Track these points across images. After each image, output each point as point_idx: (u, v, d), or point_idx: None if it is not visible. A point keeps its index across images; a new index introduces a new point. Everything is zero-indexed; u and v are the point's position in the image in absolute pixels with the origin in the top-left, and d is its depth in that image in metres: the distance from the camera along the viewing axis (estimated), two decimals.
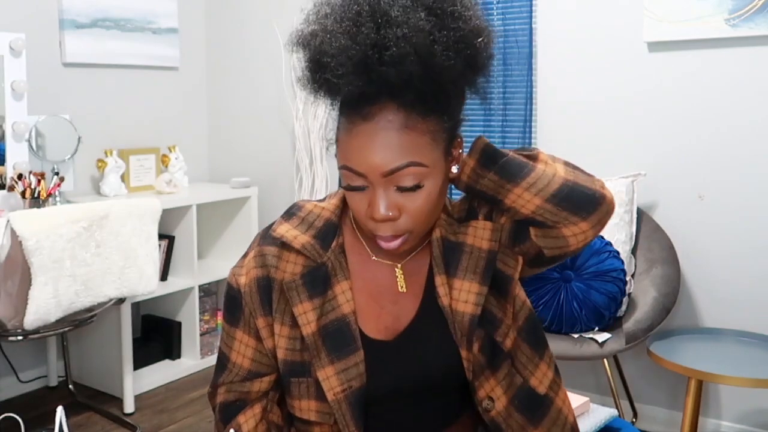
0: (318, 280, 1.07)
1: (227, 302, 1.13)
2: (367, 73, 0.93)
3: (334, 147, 1.04)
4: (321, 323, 1.05)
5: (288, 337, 1.07)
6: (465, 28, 0.96)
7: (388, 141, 0.95)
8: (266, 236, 1.11)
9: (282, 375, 1.09)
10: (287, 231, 1.09)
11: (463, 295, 1.06)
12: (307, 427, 1.09)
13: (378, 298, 1.09)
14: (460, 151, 1.05)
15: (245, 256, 1.13)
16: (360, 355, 1.05)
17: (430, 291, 1.09)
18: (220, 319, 3.66)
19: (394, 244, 1.01)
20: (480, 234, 1.08)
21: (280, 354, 1.07)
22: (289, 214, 1.12)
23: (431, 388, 1.09)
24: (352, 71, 0.93)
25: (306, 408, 1.07)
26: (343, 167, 0.99)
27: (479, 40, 0.98)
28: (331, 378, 1.04)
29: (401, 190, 0.98)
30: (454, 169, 1.04)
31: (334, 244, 1.09)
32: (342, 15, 0.96)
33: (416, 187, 0.98)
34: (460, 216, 1.11)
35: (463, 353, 1.06)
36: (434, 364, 1.08)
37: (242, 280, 1.10)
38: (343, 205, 1.13)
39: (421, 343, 1.08)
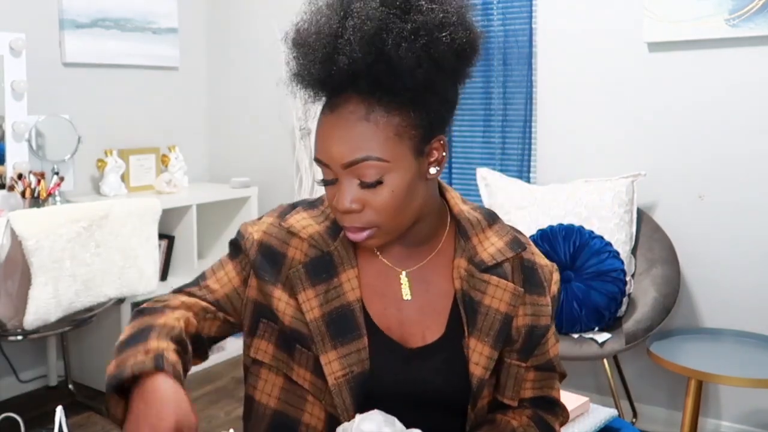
0: (322, 268, 1.07)
1: (233, 242, 1.15)
2: (324, 63, 0.96)
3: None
4: (325, 310, 1.06)
5: (295, 308, 1.07)
6: (423, 20, 0.95)
7: (347, 132, 0.96)
8: (283, 216, 1.13)
9: (288, 338, 1.08)
10: (299, 221, 1.11)
11: (475, 357, 1.07)
12: (301, 392, 1.09)
13: (383, 298, 1.09)
14: (443, 153, 1.03)
15: (262, 216, 1.15)
16: (363, 342, 1.05)
17: (454, 328, 1.09)
18: None
19: (360, 236, 1.01)
20: (499, 295, 1.08)
21: (286, 320, 1.08)
22: (313, 204, 1.14)
23: (437, 404, 1.10)
24: (312, 60, 0.97)
25: (302, 377, 1.08)
26: (314, 158, 1.02)
27: (443, 34, 0.96)
28: (333, 362, 1.04)
29: (363, 185, 0.98)
30: (432, 171, 1.02)
31: (342, 233, 1.08)
32: (318, 7, 1.01)
33: (377, 183, 0.97)
34: (485, 263, 1.09)
35: (469, 409, 1.08)
36: (442, 387, 1.08)
37: (255, 235, 1.11)
38: None
39: (433, 368, 1.08)
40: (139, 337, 0.98)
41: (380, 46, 0.93)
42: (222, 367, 3.41)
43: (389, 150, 0.96)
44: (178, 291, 1.14)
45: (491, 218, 1.14)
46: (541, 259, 1.14)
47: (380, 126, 0.96)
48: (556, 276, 1.15)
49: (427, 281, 1.10)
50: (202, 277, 1.15)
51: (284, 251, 1.09)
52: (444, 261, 1.11)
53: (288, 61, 1.03)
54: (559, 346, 1.17)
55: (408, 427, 1.02)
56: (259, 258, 1.10)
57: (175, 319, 1.03)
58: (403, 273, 1.10)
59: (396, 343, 1.07)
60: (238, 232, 1.15)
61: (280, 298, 1.08)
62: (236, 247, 1.14)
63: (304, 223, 1.11)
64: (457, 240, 1.10)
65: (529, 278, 1.10)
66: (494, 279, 1.08)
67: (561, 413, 1.16)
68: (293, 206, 1.15)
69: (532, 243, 1.15)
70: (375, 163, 0.96)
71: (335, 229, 1.09)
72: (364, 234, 1.01)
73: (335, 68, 0.95)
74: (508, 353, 1.10)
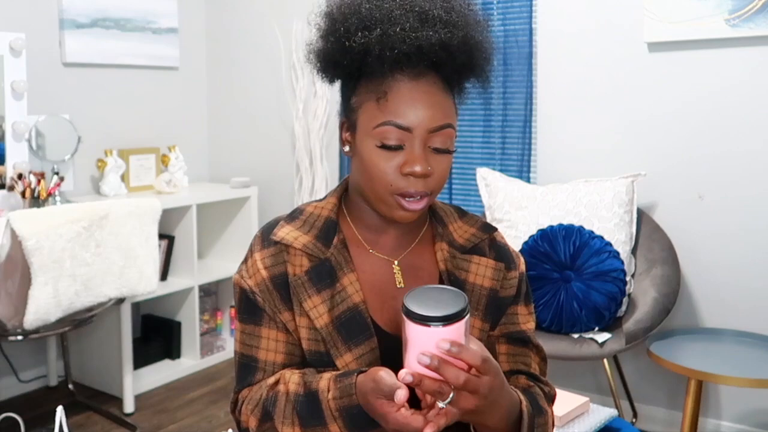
0: (323, 274, 1.10)
1: (243, 304, 1.13)
2: (426, 31, 1.02)
3: (343, 126, 1.12)
4: (333, 314, 1.08)
5: (308, 328, 1.09)
6: (491, 35, 1.12)
7: (436, 99, 1.04)
8: (267, 238, 1.13)
9: (309, 364, 1.11)
10: (288, 233, 1.12)
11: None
12: None
13: (379, 292, 1.12)
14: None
15: (246, 260, 1.14)
16: (374, 341, 1.08)
17: None
18: (220, 319, 3.66)
19: (419, 205, 1.05)
20: (482, 272, 1.15)
21: (304, 345, 1.10)
22: (292, 217, 1.16)
23: None
24: (414, 26, 1.02)
25: None
26: (386, 123, 1.03)
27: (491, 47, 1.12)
28: (350, 364, 1.06)
29: (436, 151, 1.05)
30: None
31: (335, 240, 1.12)
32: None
33: (447, 151, 1.06)
34: (464, 246, 1.16)
35: None
36: None
37: (252, 281, 1.11)
38: (340, 203, 1.17)
39: None
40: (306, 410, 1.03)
41: (476, 36, 1.06)
42: (222, 367, 3.42)
43: (455, 124, 1.08)
44: (247, 387, 1.13)
45: (460, 211, 1.22)
46: (510, 245, 1.23)
47: (451, 101, 1.08)
48: (522, 260, 1.23)
49: (415, 267, 1.15)
50: (252, 361, 1.12)
51: (285, 270, 1.10)
52: (427, 247, 1.17)
53: (343, 29, 1.06)
54: (534, 326, 1.21)
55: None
56: (276, 293, 1.10)
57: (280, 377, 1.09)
58: (395, 262, 1.14)
59: (397, 337, 1.09)
60: (242, 291, 1.13)
61: (300, 324, 1.09)
62: (253, 307, 1.12)
63: (293, 234, 1.12)
64: (435, 227, 1.18)
65: (499, 255, 1.18)
66: (475, 258, 1.15)
67: (544, 387, 1.16)
68: (273, 224, 1.16)
69: (500, 231, 1.24)
70: (452, 131, 1.06)
71: (323, 237, 1.12)
72: (423, 203, 1.06)
73: (429, 39, 1.02)
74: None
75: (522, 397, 1.04)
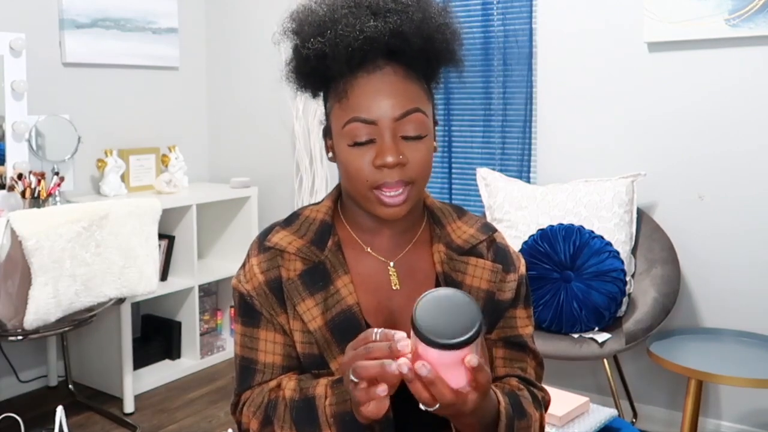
0: (317, 277, 1.10)
1: (241, 308, 1.14)
2: (372, 22, 1.02)
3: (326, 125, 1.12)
4: (327, 317, 1.08)
5: (301, 331, 1.10)
6: (455, 22, 1.10)
7: (397, 87, 1.03)
8: (262, 244, 1.14)
9: (304, 367, 1.11)
10: (282, 238, 1.13)
11: None
12: None
13: (374, 293, 1.12)
14: (436, 141, 1.12)
15: (244, 265, 1.15)
16: None
17: None
18: (220, 319, 3.66)
19: (399, 197, 1.04)
20: (479, 273, 1.13)
21: (298, 348, 1.10)
22: (288, 221, 1.17)
23: None
24: (363, 20, 1.02)
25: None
26: (351, 120, 1.03)
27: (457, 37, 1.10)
28: None
29: (407, 139, 1.03)
30: (435, 144, 1.11)
31: (330, 242, 1.12)
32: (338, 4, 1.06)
33: (419, 137, 1.04)
34: (462, 247, 1.14)
35: None
36: None
37: (249, 286, 1.12)
38: (335, 206, 1.17)
39: None
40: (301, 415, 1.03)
41: (436, 19, 1.05)
42: (222, 367, 3.42)
43: (427, 109, 1.07)
44: (247, 389, 1.12)
45: (460, 211, 1.21)
46: (510, 246, 1.21)
47: (418, 85, 1.06)
48: (522, 261, 1.22)
49: (412, 269, 1.14)
50: (251, 363, 1.12)
51: (279, 275, 1.11)
52: (424, 248, 1.16)
53: (302, 38, 1.06)
54: (532, 330, 1.20)
55: (408, 417, 1.02)
56: (273, 296, 1.11)
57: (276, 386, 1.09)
58: (391, 263, 1.14)
59: None
60: (240, 296, 1.14)
61: (293, 328, 1.10)
62: (251, 310, 1.13)
63: (288, 239, 1.13)
64: (433, 228, 1.17)
65: (499, 257, 1.17)
66: (473, 260, 1.14)
67: (537, 391, 1.15)
68: (269, 230, 1.16)
69: (501, 232, 1.23)
70: (422, 116, 1.05)
71: (318, 240, 1.12)
72: (403, 194, 1.04)
73: (380, 29, 1.01)
74: None
75: (501, 399, 1.02)
